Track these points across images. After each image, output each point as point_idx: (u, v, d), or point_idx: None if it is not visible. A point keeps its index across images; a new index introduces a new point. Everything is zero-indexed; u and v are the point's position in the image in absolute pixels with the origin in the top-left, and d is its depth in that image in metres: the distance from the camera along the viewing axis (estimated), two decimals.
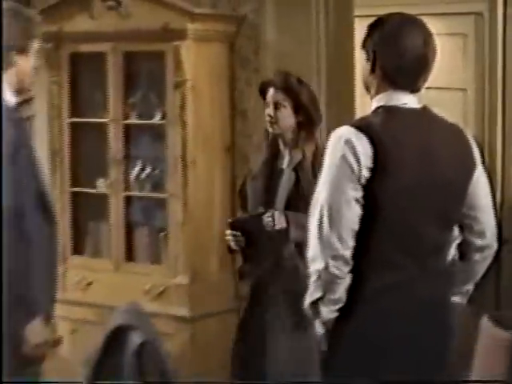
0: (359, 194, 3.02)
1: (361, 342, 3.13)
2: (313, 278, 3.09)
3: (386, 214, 3.05)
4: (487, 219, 3.28)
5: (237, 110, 5.51)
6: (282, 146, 4.53)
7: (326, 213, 3.03)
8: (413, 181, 3.06)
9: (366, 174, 3.01)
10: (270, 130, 4.50)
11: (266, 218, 4.31)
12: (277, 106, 4.46)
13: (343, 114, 5.38)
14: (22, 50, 3.70)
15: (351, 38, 5.49)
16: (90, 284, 5.72)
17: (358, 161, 3.00)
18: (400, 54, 3.10)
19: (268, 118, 4.47)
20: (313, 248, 3.08)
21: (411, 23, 3.16)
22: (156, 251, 5.61)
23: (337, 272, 3.04)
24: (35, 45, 3.78)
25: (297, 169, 4.42)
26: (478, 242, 3.29)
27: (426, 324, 3.19)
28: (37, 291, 3.58)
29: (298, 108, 4.46)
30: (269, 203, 4.41)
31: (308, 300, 3.13)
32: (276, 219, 4.32)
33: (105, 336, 3.42)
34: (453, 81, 6.52)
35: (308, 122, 4.48)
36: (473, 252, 3.31)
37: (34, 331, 3.58)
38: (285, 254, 4.38)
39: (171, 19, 5.23)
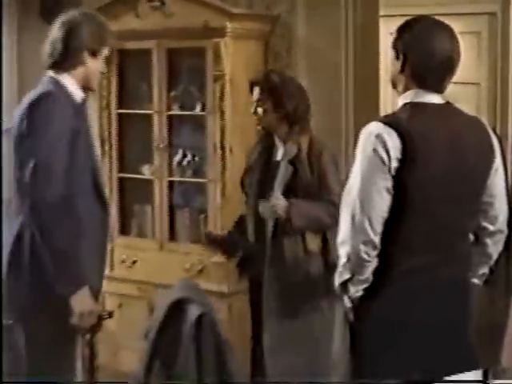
0: (389, 184, 3.07)
1: (388, 320, 3.17)
2: (342, 261, 3.17)
3: (414, 201, 3.10)
4: (501, 206, 3.30)
5: None
6: (276, 139, 4.50)
7: (358, 202, 3.09)
8: (439, 171, 3.10)
9: (395, 165, 3.05)
10: (258, 126, 4.53)
11: (270, 203, 4.23)
12: (258, 103, 4.44)
13: (369, 106, 5.44)
14: (93, 53, 3.78)
15: (377, 36, 5.54)
16: (135, 262, 5.80)
17: (387, 153, 3.05)
18: (429, 56, 3.13)
19: (254, 116, 4.48)
20: (344, 233, 3.15)
21: (440, 27, 3.22)
22: (196, 232, 5.65)
23: (365, 256, 3.12)
24: (105, 51, 3.86)
25: (294, 161, 4.36)
26: (491, 227, 3.32)
27: (449, 303, 3.24)
28: (84, 265, 3.60)
29: (278, 104, 4.40)
30: (264, 195, 4.35)
31: (338, 280, 3.22)
32: (280, 206, 4.22)
33: (165, 308, 3.46)
34: (467, 76, 6.53)
35: (295, 116, 4.42)
36: (485, 237, 3.35)
37: (80, 301, 3.57)
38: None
39: (211, 18, 5.29)
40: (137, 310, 5.70)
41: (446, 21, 6.66)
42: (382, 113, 5.87)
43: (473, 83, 6.57)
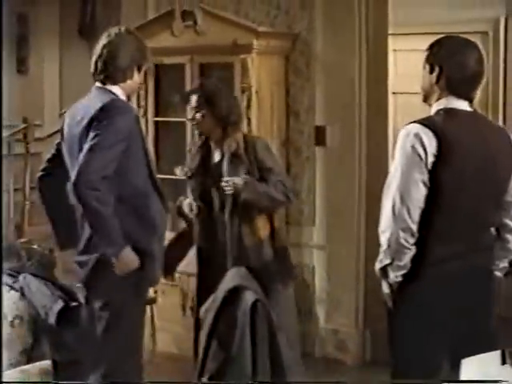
0: (426, 177, 3.10)
1: (424, 302, 3.18)
2: (383, 247, 3.17)
3: (448, 194, 3.12)
4: None
5: (291, 111, 5.53)
6: (212, 144, 4.46)
7: (398, 193, 3.12)
8: (470, 168, 3.14)
9: (431, 160, 3.09)
10: (196, 131, 4.49)
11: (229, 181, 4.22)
12: (196, 110, 4.40)
13: (378, 112, 5.42)
14: (139, 67, 3.75)
15: (386, 53, 5.53)
16: None
17: (424, 150, 3.09)
18: (462, 68, 3.18)
19: (190, 122, 4.46)
20: (385, 222, 3.17)
21: (471, 44, 3.27)
22: None
23: (404, 242, 3.12)
24: (147, 65, 3.84)
25: (235, 155, 4.33)
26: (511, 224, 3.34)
27: (477, 289, 3.25)
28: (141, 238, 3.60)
29: (214, 110, 4.35)
30: (207, 196, 4.43)
31: (378, 265, 3.21)
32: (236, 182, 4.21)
33: (222, 294, 3.43)
34: None
35: (229, 120, 4.37)
36: (507, 233, 3.35)
37: (125, 256, 3.54)
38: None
39: (239, 36, 5.27)
40: (171, 297, 5.67)
41: None
42: (391, 122, 5.87)
43: None
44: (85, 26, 7.91)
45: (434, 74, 3.21)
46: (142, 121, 5.74)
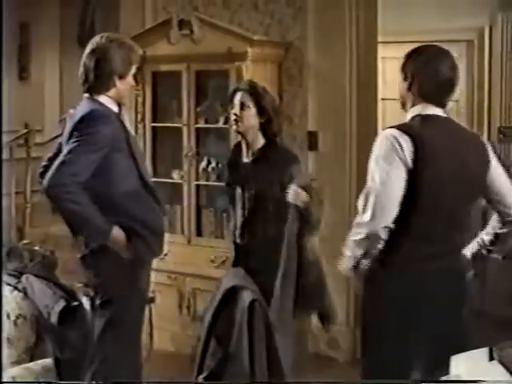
0: (404, 180, 3.09)
1: (398, 301, 3.17)
2: (357, 238, 3.18)
3: (425, 197, 3.12)
4: (509, 199, 3.32)
5: (284, 116, 5.50)
6: (243, 145, 4.31)
7: (376, 192, 3.10)
8: (446, 172, 3.13)
9: (409, 164, 3.08)
10: (234, 127, 4.27)
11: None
12: (242, 106, 4.22)
13: (368, 117, 5.42)
14: (122, 76, 3.69)
15: (375, 60, 5.52)
16: (166, 254, 5.66)
17: (403, 154, 3.08)
18: (434, 76, 3.18)
19: (233, 117, 4.24)
20: (364, 217, 3.14)
21: (444, 53, 3.28)
22: (220, 228, 5.62)
23: (382, 235, 3.14)
24: (133, 69, 3.76)
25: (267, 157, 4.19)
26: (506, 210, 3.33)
27: (450, 290, 3.23)
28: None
29: (261, 110, 4.20)
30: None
31: (352, 254, 3.21)
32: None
33: (221, 294, 3.42)
34: None
35: (268, 125, 4.21)
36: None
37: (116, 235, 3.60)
38: None
39: (234, 44, 5.25)
40: (168, 296, 5.67)
41: None
42: (380, 127, 5.87)
43: (453, 100, 6.54)
44: (84, 34, 7.90)
45: (407, 82, 3.20)
46: (140, 126, 5.78)
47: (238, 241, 4.27)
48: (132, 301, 3.65)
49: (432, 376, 3.19)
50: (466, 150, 3.20)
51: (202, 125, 5.59)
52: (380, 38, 5.57)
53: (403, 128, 3.14)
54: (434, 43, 3.38)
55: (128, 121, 5.96)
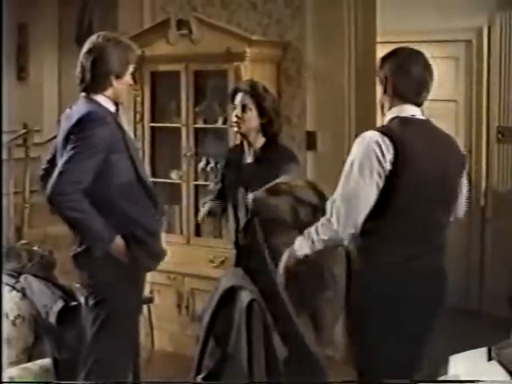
0: (381, 181, 3.11)
1: (381, 301, 3.18)
2: (321, 238, 3.19)
3: (404, 198, 3.15)
4: (463, 200, 3.44)
5: (283, 117, 5.47)
6: (245, 145, 4.30)
7: (346, 201, 3.13)
8: (424, 173, 3.17)
9: (388, 166, 3.10)
10: (236, 129, 4.25)
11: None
12: (244, 108, 4.20)
13: (366, 118, 5.41)
14: (119, 75, 3.65)
15: (374, 60, 5.49)
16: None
17: (383, 155, 3.10)
18: (407, 77, 3.24)
19: (235, 119, 4.21)
20: (331, 221, 3.17)
21: (417, 55, 3.32)
22: (218, 228, 5.61)
23: (349, 233, 3.18)
24: (130, 68, 3.71)
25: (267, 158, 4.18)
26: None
27: (432, 287, 3.26)
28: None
29: (262, 112, 4.19)
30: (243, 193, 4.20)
31: (311, 246, 3.22)
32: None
33: (219, 294, 3.42)
34: (447, 94, 6.61)
35: (269, 125, 4.21)
36: None
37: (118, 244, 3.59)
38: None
39: (233, 44, 5.25)
40: (166, 296, 5.67)
41: (430, 47, 6.69)
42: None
43: (451, 100, 6.58)
44: (82, 35, 7.88)
45: (382, 85, 3.27)
46: (139, 126, 5.78)
47: (241, 242, 4.25)
48: (126, 302, 3.62)
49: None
50: (444, 152, 3.27)
51: (200, 125, 5.58)
52: (378, 38, 5.56)
53: (384, 130, 3.19)
54: (406, 46, 3.40)
55: (126, 120, 6.00)
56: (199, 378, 3.49)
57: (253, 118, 4.18)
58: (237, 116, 4.21)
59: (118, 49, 3.64)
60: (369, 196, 3.11)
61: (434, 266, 3.27)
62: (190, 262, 5.57)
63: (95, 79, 3.60)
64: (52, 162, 3.79)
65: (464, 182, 3.41)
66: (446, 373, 3.20)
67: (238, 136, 4.44)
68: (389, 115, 3.27)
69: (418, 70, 3.25)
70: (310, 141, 5.47)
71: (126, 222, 3.60)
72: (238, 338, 3.23)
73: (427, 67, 3.30)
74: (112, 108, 3.68)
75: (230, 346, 3.28)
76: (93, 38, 3.66)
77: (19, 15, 8.05)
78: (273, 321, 3.35)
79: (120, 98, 3.73)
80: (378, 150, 3.09)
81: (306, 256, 3.24)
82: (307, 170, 5.49)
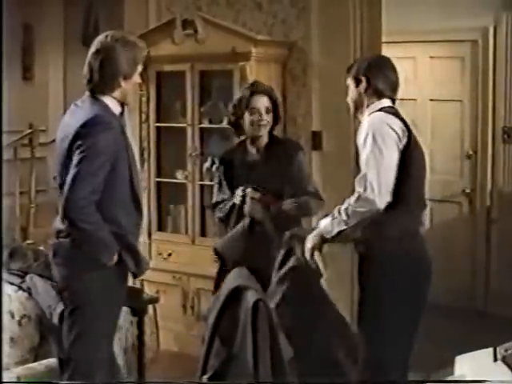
0: (397, 157, 3.43)
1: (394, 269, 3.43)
2: (361, 211, 3.42)
3: (415, 170, 3.49)
4: None
5: (288, 116, 5.50)
6: (248, 146, 4.35)
7: (379, 171, 3.39)
8: (420, 152, 3.59)
9: (404, 140, 3.46)
10: (259, 132, 4.27)
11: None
12: (267, 111, 4.29)
13: None
14: (127, 76, 3.59)
15: None
16: (170, 255, 5.76)
17: (401, 133, 3.47)
18: (386, 79, 3.64)
19: (262, 122, 4.25)
20: (367, 193, 3.39)
21: (389, 60, 3.75)
22: (223, 228, 5.55)
23: (385, 205, 3.41)
24: (139, 68, 3.65)
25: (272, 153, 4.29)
26: None
27: (421, 267, 3.54)
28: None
29: (277, 114, 4.35)
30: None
31: (346, 221, 3.45)
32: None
33: (225, 294, 3.41)
34: (453, 94, 6.60)
35: (275, 125, 4.38)
36: None
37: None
38: None
39: (238, 44, 5.25)
40: (171, 296, 5.67)
41: (435, 47, 6.68)
42: None
43: (457, 100, 6.57)
44: (88, 35, 7.88)
45: (362, 86, 3.62)
46: (144, 126, 5.78)
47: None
48: (105, 312, 3.56)
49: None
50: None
51: (205, 125, 5.58)
52: (384, 38, 5.54)
53: (391, 112, 3.53)
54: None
55: (129, 122, 6.00)
56: (205, 378, 3.48)
57: (271, 120, 4.31)
58: (262, 119, 4.25)
59: (127, 49, 3.57)
60: (394, 163, 3.41)
61: (423, 243, 3.56)
62: (196, 262, 5.56)
63: (103, 80, 3.54)
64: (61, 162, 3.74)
65: None
66: (451, 373, 3.19)
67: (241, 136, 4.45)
68: (370, 109, 3.60)
69: (392, 74, 3.67)
70: (316, 140, 5.46)
71: (120, 229, 3.56)
72: (244, 338, 3.23)
73: (395, 71, 3.69)
74: (118, 110, 3.63)
75: (236, 346, 3.28)
76: (101, 38, 3.59)
77: (24, 15, 8.05)
78: (278, 320, 3.35)
79: (127, 99, 3.67)
80: (392, 124, 3.44)
81: (339, 233, 3.46)
82: (313, 170, 5.48)
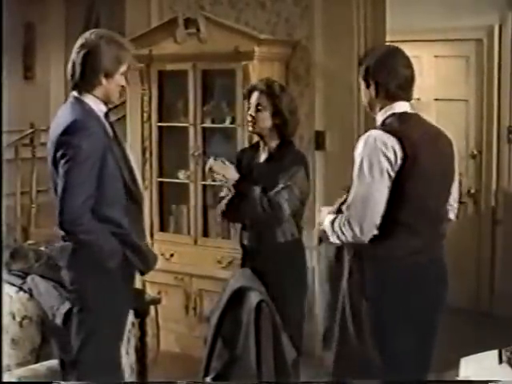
0: (390, 179, 3.19)
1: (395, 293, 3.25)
2: (343, 239, 3.26)
3: (412, 193, 3.22)
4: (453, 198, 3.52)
5: None
6: (261, 144, 4.25)
7: (364, 195, 3.19)
8: (428, 166, 3.25)
9: (398, 162, 3.18)
10: (250, 129, 4.20)
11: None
12: (258, 107, 4.14)
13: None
14: (109, 74, 3.54)
15: None
16: (172, 255, 5.75)
17: (391, 153, 3.18)
18: (395, 77, 3.32)
19: (249, 118, 4.15)
20: (353, 218, 3.22)
21: (397, 51, 3.41)
22: (226, 228, 5.60)
23: (367, 238, 3.22)
24: (122, 68, 3.59)
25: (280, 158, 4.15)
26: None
27: (435, 277, 3.34)
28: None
29: (276, 112, 4.13)
30: None
31: (341, 238, 3.28)
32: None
33: (228, 295, 3.41)
34: (458, 94, 6.58)
35: (284, 126, 4.15)
36: None
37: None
38: None
39: (241, 43, 5.24)
40: (174, 297, 5.67)
41: (440, 46, 6.65)
42: None
43: (462, 100, 6.57)
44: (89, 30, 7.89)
45: (372, 89, 3.35)
46: (146, 126, 5.78)
47: (246, 242, 4.24)
48: (114, 310, 3.56)
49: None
50: (441, 143, 3.38)
51: (208, 124, 5.58)
52: (388, 37, 5.54)
53: (386, 129, 3.25)
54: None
55: (130, 119, 6.02)
56: (208, 379, 3.48)
57: (266, 118, 4.14)
58: (251, 115, 4.17)
59: (110, 46, 3.53)
60: (382, 195, 3.18)
61: (438, 257, 3.36)
62: (198, 262, 5.57)
63: (85, 76, 3.50)
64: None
65: (456, 172, 3.46)
66: (456, 375, 3.19)
67: (255, 136, 4.36)
68: (382, 115, 3.34)
69: (404, 68, 3.34)
70: (319, 140, 5.46)
71: (120, 229, 3.54)
72: (247, 340, 3.22)
73: (409, 64, 3.38)
74: (102, 110, 3.59)
75: (239, 348, 3.27)
76: (86, 34, 3.58)
77: (26, 14, 8.06)
78: (282, 322, 3.34)
79: (111, 99, 3.63)
80: (384, 149, 3.16)
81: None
82: (316, 170, 5.49)
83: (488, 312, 6.37)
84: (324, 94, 5.42)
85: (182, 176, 5.74)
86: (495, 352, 3.10)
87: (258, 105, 4.15)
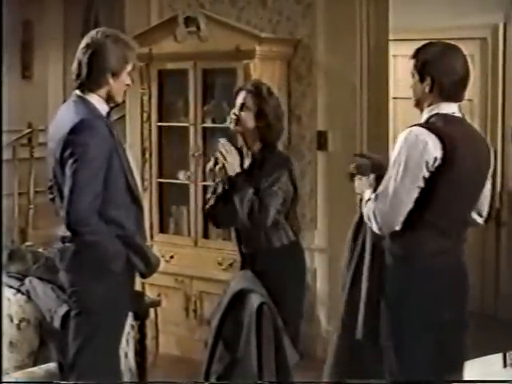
0: (424, 181, 3.17)
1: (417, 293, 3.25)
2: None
3: (443, 195, 3.21)
4: (486, 202, 3.49)
5: (293, 116, 5.51)
6: (244, 148, 4.16)
7: (393, 194, 3.18)
8: (466, 170, 3.22)
9: (436, 164, 3.16)
10: (232, 127, 4.13)
11: None
12: (242, 107, 4.06)
13: (379, 117, 5.42)
14: (116, 74, 3.56)
15: (386, 58, 5.51)
16: (172, 257, 5.75)
17: (430, 154, 3.15)
18: (452, 75, 3.25)
19: (233, 116, 4.08)
20: (375, 213, 3.24)
21: (455, 49, 3.37)
22: (227, 230, 5.50)
23: (387, 233, 3.25)
24: (129, 67, 3.61)
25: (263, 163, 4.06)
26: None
27: (459, 277, 3.37)
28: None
29: (260, 114, 4.03)
30: None
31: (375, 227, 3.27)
32: None
33: (229, 297, 3.41)
34: None
35: (267, 130, 4.05)
36: None
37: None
38: None
39: (242, 42, 5.26)
40: (174, 300, 5.67)
41: None
42: (391, 127, 5.86)
43: (466, 99, 6.54)
44: (88, 32, 7.89)
45: (426, 84, 3.26)
46: (146, 126, 5.78)
47: (243, 249, 4.21)
48: (113, 314, 3.56)
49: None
50: (480, 151, 3.33)
51: (208, 124, 5.59)
52: (391, 36, 5.55)
53: (431, 127, 3.21)
54: (446, 40, 3.41)
55: (130, 119, 6.02)
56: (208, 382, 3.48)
57: (249, 119, 4.07)
58: (234, 114, 4.10)
59: (117, 46, 3.54)
60: (410, 197, 3.18)
61: (460, 259, 3.37)
62: (198, 264, 5.57)
63: (91, 76, 3.51)
64: (52, 188, 3.71)
65: (489, 179, 3.44)
66: (461, 378, 3.20)
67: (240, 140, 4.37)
68: (427, 112, 3.28)
69: (461, 67, 3.29)
70: (321, 140, 5.47)
71: (124, 231, 3.54)
72: (248, 342, 3.22)
73: (466, 63, 3.33)
74: (105, 110, 3.60)
75: (240, 350, 3.27)
76: (92, 33, 3.59)
77: (24, 12, 8.07)
78: (283, 324, 3.34)
79: (116, 98, 3.63)
80: (424, 148, 3.15)
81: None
82: (318, 170, 5.50)
83: (492, 315, 6.36)
84: (326, 94, 5.43)
85: (182, 177, 5.75)
86: (500, 356, 3.11)
87: (242, 104, 4.08)
